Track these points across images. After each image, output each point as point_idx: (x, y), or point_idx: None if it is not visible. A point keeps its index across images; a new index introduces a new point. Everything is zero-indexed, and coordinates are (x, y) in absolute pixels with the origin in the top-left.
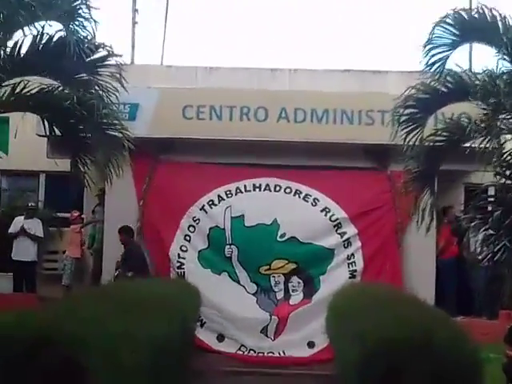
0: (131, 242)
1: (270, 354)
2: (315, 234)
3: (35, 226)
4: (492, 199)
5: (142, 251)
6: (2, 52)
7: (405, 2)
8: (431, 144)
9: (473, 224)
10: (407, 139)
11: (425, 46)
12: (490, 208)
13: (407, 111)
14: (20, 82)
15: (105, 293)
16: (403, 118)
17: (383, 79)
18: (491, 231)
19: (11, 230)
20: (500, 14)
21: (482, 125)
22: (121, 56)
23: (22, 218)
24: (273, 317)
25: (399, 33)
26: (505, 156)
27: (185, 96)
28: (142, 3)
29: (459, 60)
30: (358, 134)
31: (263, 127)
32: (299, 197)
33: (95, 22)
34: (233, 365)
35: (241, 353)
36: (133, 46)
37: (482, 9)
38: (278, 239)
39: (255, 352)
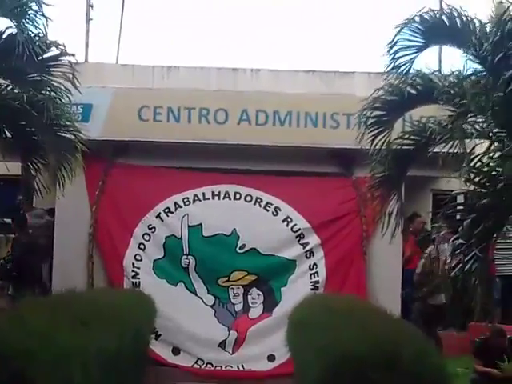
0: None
1: (229, 368)
2: (276, 245)
3: None
4: (461, 207)
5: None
6: None
7: (372, 2)
8: (398, 148)
9: (442, 233)
10: (374, 143)
11: (390, 48)
12: (458, 216)
13: (374, 113)
14: None
15: (54, 304)
16: (370, 121)
17: (349, 80)
18: (461, 240)
19: None
20: (468, 16)
21: (448, 127)
22: (74, 55)
23: None
24: (231, 331)
25: (366, 33)
26: (474, 162)
27: (141, 96)
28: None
29: (429, 61)
30: (322, 137)
31: (223, 130)
32: (260, 205)
33: (47, 18)
34: (189, 379)
35: (197, 366)
36: (87, 44)
37: (451, 10)
38: (238, 250)
39: (213, 366)
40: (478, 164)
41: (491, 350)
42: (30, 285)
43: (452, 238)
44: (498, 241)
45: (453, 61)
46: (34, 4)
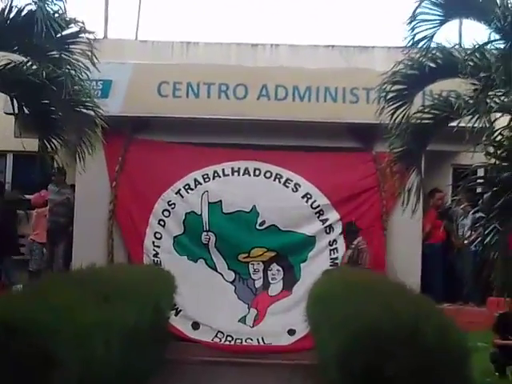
0: None
1: (249, 341)
2: (296, 221)
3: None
4: (481, 181)
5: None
6: None
7: None
8: (418, 122)
9: (462, 207)
10: (393, 117)
11: (410, 22)
12: (479, 190)
13: (394, 88)
14: None
15: (75, 280)
16: (390, 95)
17: (369, 55)
18: (481, 214)
19: None
20: None
21: (471, 101)
22: (93, 32)
23: None
24: (251, 309)
25: (386, 6)
26: (495, 135)
27: (160, 72)
28: None
29: (449, 35)
30: (342, 112)
31: (243, 105)
32: (279, 182)
33: None
34: (210, 354)
35: (218, 340)
36: (106, 20)
37: None
38: (258, 227)
39: (233, 339)
40: (499, 138)
41: (510, 324)
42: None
43: (472, 211)
44: None
45: (473, 35)
46: None
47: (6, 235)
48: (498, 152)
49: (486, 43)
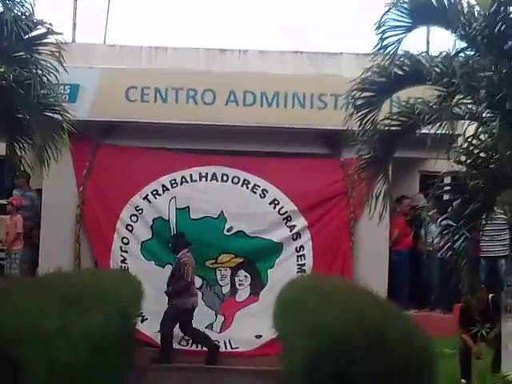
0: None
1: (220, 349)
2: (263, 227)
3: None
4: (449, 188)
5: None
6: None
7: None
8: (386, 129)
9: (430, 213)
10: (361, 124)
11: (378, 29)
12: (447, 197)
13: (362, 94)
14: None
15: (40, 284)
16: (358, 102)
17: (337, 61)
18: (450, 221)
19: None
20: None
21: (436, 107)
22: (61, 34)
23: None
24: (218, 315)
25: (354, 13)
26: (464, 143)
27: (128, 77)
28: None
29: (417, 43)
30: (309, 118)
31: (211, 110)
32: (247, 188)
33: None
34: (177, 360)
35: (184, 344)
36: (74, 24)
37: None
38: (225, 233)
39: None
40: (468, 145)
41: (473, 316)
42: None
43: (440, 219)
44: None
45: (440, 43)
46: None
47: None
48: (468, 160)
49: (458, 52)
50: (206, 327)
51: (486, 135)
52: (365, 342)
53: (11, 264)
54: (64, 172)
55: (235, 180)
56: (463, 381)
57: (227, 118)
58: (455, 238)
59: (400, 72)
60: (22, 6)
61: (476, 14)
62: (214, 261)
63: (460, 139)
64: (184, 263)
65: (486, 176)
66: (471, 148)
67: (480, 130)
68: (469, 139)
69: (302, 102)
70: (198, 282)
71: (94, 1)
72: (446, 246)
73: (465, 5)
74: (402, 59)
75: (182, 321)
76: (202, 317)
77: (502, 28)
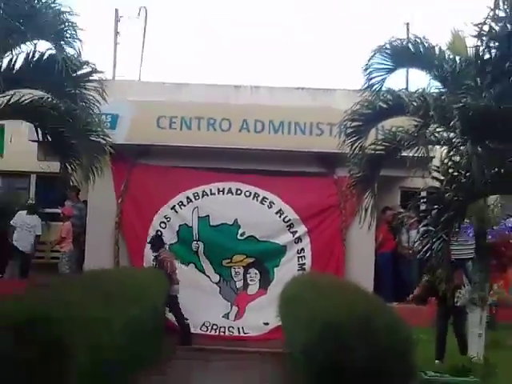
0: None
1: (231, 331)
2: (270, 232)
3: (35, 222)
4: (425, 200)
5: None
6: None
7: (349, 31)
8: (372, 152)
9: (410, 221)
10: (352, 148)
11: (365, 70)
12: (424, 207)
13: (352, 124)
14: (15, 94)
15: (86, 280)
16: (349, 130)
17: (332, 96)
18: (429, 227)
19: (13, 221)
20: (430, 43)
21: (414, 135)
22: (103, 72)
23: (24, 212)
24: (233, 307)
25: (347, 55)
26: (440, 164)
27: (158, 108)
28: (123, 26)
29: (398, 81)
30: (309, 143)
31: (227, 136)
32: (257, 200)
33: (81, 41)
34: (198, 342)
35: (205, 329)
36: (114, 65)
37: (415, 39)
38: (239, 237)
39: (218, 328)
40: (442, 165)
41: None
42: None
43: (421, 225)
44: None
45: (418, 82)
46: (70, 29)
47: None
48: (442, 178)
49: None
50: (222, 316)
51: (458, 157)
52: (355, 330)
53: (62, 263)
54: (105, 187)
55: (247, 193)
56: (437, 361)
57: (241, 142)
58: (434, 240)
59: (384, 105)
60: (72, 48)
61: (447, 57)
62: (229, 260)
63: (436, 160)
64: (164, 259)
65: (459, 190)
66: (446, 168)
67: (452, 152)
68: (444, 160)
69: (303, 130)
70: (216, 278)
71: (131, 45)
72: (426, 247)
73: (437, 50)
74: (385, 95)
75: (171, 304)
76: (220, 308)
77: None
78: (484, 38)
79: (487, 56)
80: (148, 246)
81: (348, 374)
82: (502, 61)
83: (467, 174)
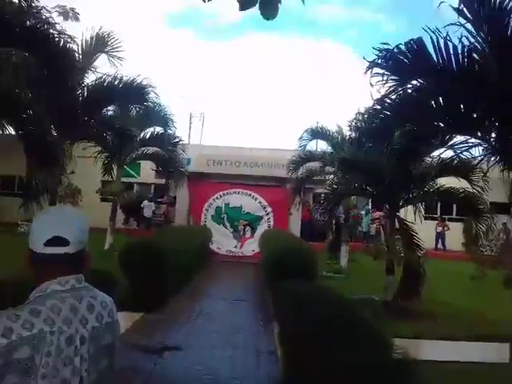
0: None
1: (238, 253)
2: (255, 210)
3: (151, 204)
4: (323, 198)
5: None
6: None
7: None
8: (300, 177)
9: (316, 207)
10: (291, 175)
11: (299, 139)
12: (323, 201)
13: (293, 165)
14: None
15: (172, 231)
16: (291, 167)
17: (287, 152)
18: (324, 210)
19: (142, 205)
20: (328, 129)
21: (320, 169)
22: (183, 140)
23: (147, 201)
24: (238, 243)
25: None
26: (329, 183)
27: (209, 155)
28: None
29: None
30: (274, 172)
31: (239, 169)
32: (250, 196)
33: (175, 126)
34: (216, 259)
35: (227, 252)
36: (189, 135)
37: (322, 127)
38: (242, 212)
39: (232, 252)
40: (331, 183)
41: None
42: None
43: (321, 209)
44: None
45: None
46: (169, 119)
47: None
48: (330, 190)
49: (332, 152)
50: (234, 247)
51: (336, 179)
52: (288, 252)
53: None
54: (184, 192)
55: (246, 193)
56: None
57: (246, 171)
58: (325, 216)
59: (305, 156)
60: (170, 128)
61: (334, 136)
62: (238, 222)
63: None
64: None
65: (337, 194)
66: (332, 183)
67: (335, 178)
68: (332, 181)
69: (272, 166)
70: (231, 230)
71: (197, 125)
72: (324, 219)
73: (330, 133)
74: (309, 152)
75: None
76: (233, 243)
77: None
78: (352, 128)
79: (354, 135)
80: (202, 218)
81: (283, 269)
82: (363, 137)
83: (341, 187)
